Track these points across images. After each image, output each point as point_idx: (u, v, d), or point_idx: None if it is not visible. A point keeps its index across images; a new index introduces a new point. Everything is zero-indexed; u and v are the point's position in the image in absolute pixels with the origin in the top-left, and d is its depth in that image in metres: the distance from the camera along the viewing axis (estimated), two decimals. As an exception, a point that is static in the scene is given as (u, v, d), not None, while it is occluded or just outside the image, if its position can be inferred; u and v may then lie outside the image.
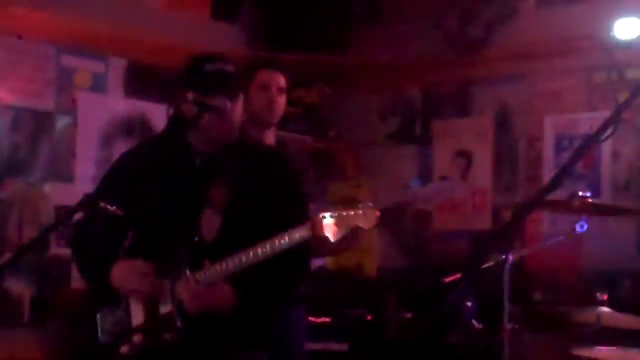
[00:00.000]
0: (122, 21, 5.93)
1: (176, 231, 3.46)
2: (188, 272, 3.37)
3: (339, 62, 6.88)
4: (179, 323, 3.34)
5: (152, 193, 3.55)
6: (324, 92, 6.93)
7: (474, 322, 4.65)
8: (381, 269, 6.33)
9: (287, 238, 3.36)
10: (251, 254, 3.36)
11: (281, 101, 4.46)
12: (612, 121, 2.75)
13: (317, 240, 3.42)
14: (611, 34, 5.68)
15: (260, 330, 3.59)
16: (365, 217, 3.39)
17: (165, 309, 3.38)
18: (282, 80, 4.46)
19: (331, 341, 5.48)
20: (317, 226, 3.37)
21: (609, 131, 2.57)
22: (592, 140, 2.73)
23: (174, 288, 3.34)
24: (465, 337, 4.61)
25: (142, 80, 6.10)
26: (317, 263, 5.59)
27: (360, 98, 7.05)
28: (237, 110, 3.50)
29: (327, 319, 5.55)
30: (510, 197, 6.25)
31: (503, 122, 6.40)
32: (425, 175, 6.60)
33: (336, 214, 3.38)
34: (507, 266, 4.12)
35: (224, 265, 3.37)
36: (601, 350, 4.46)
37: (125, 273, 3.44)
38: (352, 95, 7.06)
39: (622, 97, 2.82)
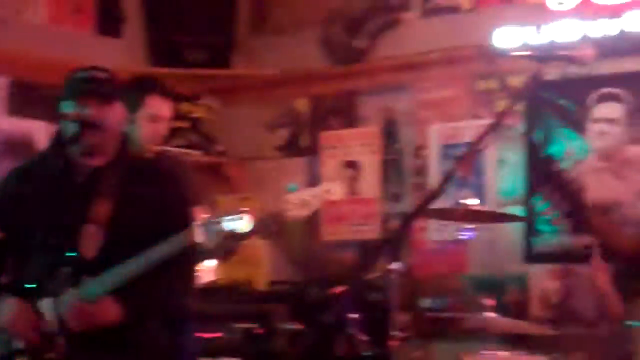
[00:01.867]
0: (3, 38, 5.80)
1: (59, 249, 3.41)
2: (70, 290, 3.33)
3: (225, 75, 6.85)
4: (61, 341, 3.30)
5: (35, 212, 3.50)
6: (210, 106, 6.89)
7: (360, 333, 4.66)
8: (271, 282, 6.30)
9: (165, 247, 3.34)
10: (131, 266, 3.33)
11: (166, 128, 4.51)
12: (494, 128, 2.77)
13: (195, 247, 3.40)
14: (492, 43, 5.80)
15: (147, 345, 3.54)
16: (241, 222, 3.37)
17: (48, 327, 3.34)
18: (169, 109, 4.50)
19: (222, 356, 5.43)
20: (195, 233, 3.35)
21: (491, 138, 2.59)
22: (474, 148, 2.75)
23: (56, 306, 3.31)
24: (351, 349, 4.61)
25: (25, 97, 5.97)
26: (206, 277, 5.55)
27: (248, 111, 7.02)
28: (113, 116, 3.46)
29: (217, 334, 5.50)
30: (398, 207, 6.30)
31: (389, 132, 6.45)
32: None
33: (212, 220, 3.36)
34: (395, 275, 4.14)
35: (104, 280, 3.34)
36: (488, 354, 4.53)
37: (12, 316, 3.40)
38: (239, 108, 7.03)
39: (504, 104, 2.87)
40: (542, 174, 5.76)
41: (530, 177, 5.83)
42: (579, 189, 5.57)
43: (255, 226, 3.35)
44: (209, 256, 4.68)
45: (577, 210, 5.59)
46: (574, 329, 4.79)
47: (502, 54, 5.80)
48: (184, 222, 3.42)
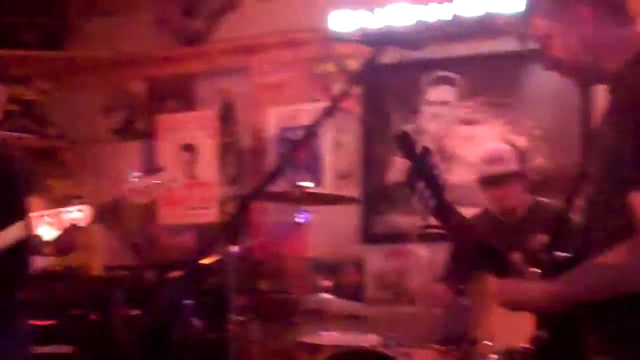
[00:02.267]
0: None
1: None
2: None
3: (58, 58, 6.67)
4: None
5: None
6: (43, 89, 6.70)
7: (194, 319, 4.63)
8: (108, 267, 6.19)
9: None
10: None
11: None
12: (331, 111, 2.78)
13: (33, 240, 3.30)
14: (329, 26, 5.84)
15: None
16: (80, 214, 3.29)
17: None
18: (3, 92, 4.30)
19: (57, 344, 5.30)
20: (30, 225, 3.25)
21: (327, 121, 2.59)
22: (310, 131, 2.75)
23: None
24: (186, 334, 4.58)
25: None
26: (40, 263, 5.39)
27: (82, 94, 6.86)
28: None
29: (52, 322, 5.37)
30: (236, 190, 6.28)
31: (227, 115, 6.42)
32: (149, 170, 6.49)
33: (51, 213, 3.27)
34: (233, 258, 4.13)
35: None
36: (326, 335, 4.57)
37: None
38: (74, 91, 6.86)
39: (341, 88, 2.87)
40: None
41: (365, 159, 5.91)
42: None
43: (94, 217, 3.29)
44: (46, 249, 4.54)
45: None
46: (409, 309, 4.87)
47: (338, 38, 5.84)
48: (19, 211, 3.31)
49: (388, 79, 5.67)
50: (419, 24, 5.57)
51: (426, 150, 2.58)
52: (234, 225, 3.10)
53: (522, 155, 4.46)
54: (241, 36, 6.34)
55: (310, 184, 4.74)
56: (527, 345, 2.53)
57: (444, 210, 2.60)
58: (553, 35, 2.45)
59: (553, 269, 2.43)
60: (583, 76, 2.54)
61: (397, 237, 5.71)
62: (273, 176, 2.50)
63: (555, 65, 2.50)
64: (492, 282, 2.54)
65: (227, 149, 6.40)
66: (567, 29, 2.44)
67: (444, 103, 5.75)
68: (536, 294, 2.40)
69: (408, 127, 5.59)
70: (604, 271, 2.27)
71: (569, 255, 2.47)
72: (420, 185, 2.57)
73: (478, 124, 5.60)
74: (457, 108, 5.70)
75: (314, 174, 5.91)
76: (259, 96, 6.32)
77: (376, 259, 5.83)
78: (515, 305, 2.49)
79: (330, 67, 6.04)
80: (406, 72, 5.70)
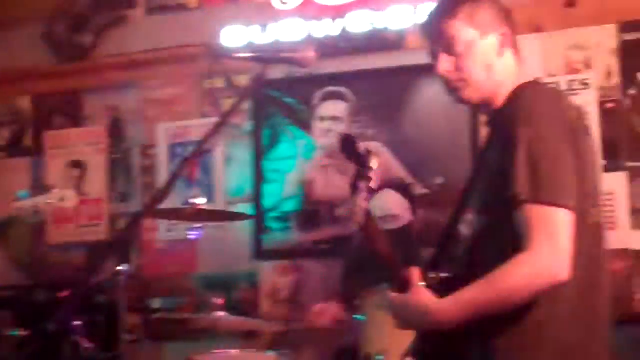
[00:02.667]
0: None
1: None
2: None
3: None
4: None
5: None
6: None
7: (84, 339, 4.54)
8: (-4, 287, 6.04)
9: None
10: None
11: None
12: (220, 127, 2.76)
13: None
14: (219, 42, 5.83)
15: None
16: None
17: None
18: None
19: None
20: None
21: (218, 137, 2.58)
22: (201, 147, 2.72)
23: None
24: (76, 355, 4.49)
25: None
26: None
27: (-34, 110, 6.69)
28: None
29: None
30: (126, 207, 6.20)
31: (116, 131, 6.33)
32: (38, 188, 6.37)
33: None
34: (123, 276, 4.07)
35: None
36: (219, 353, 4.54)
37: None
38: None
39: (230, 103, 2.86)
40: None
41: (257, 175, 5.90)
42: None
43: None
44: None
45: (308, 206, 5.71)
46: (304, 324, 4.87)
47: (228, 53, 5.83)
48: None
49: (278, 94, 5.68)
50: (308, 39, 5.59)
51: (368, 153, 2.61)
52: (124, 243, 3.06)
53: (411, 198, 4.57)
54: (130, 51, 6.27)
55: (202, 201, 4.70)
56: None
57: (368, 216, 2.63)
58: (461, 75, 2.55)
59: (439, 286, 2.47)
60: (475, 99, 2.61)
61: (290, 253, 5.72)
62: (163, 193, 2.46)
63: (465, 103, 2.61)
64: (385, 298, 2.55)
65: (117, 166, 6.31)
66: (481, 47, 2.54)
67: (335, 118, 5.78)
68: (424, 311, 2.42)
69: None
70: (491, 289, 2.32)
71: (454, 272, 2.51)
72: (362, 186, 2.59)
73: (367, 140, 5.63)
74: (348, 123, 5.73)
75: (205, 190, 5.87)
76: (149, 112, 6.25)
77: (270, 275, 5.81)
78: (404, 322, 2.51)
79: (220, 83, 6.02)
80: (297, 88, 5.71)
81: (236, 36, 5.81)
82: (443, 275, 2.51)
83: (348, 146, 2.63)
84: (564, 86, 5.29)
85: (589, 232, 2.40)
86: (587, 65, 5.31)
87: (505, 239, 2.35)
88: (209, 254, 5.76)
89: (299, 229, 5.72)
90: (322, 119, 5.80)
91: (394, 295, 2.52)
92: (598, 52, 5.30)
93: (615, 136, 5.20)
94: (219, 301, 4.64)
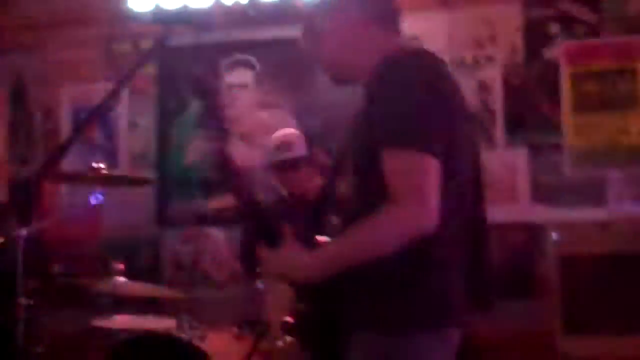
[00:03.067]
0: None
1: None
2: None
3: None
4: None
5: None
6: None
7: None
8: None
9: None
10: None
11: None
12: (119, 90, 2.73)
13: None
14: (126, 5, 5.75)
15: None
16: None
17: None
18: None
19: None
20: None
21: (118, 100, 2.54)
22: (100, 109, 2.69)
23: None
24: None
25: None
26: None
27: None
28: None
29: None
30: (28, 170, 6.09)
31: (18, 94, 6.21)
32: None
33: None
34: (22, 240, 4.00)
35: None
36: (119, 319, 4.51)
37: None
38: None
39: (134, 67, 2.82)
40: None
41: (161, 141, 5.86)
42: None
43: None
44: None
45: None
46: (205, 291, 4.86)
47: (133, 17, 5.75)
48: None
49: (185, 61, 5.62)
50: (216, 6, 5.54)
51: (217, 92, 2.60)
52: (24, 206, 3.00)
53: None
54: (32, 12, 6.14)
55: (103, 165, 4.64)
56: (288, 319, 2.58)
57: (226, 161, 2.63)
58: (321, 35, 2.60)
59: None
60: (338, 75, 2.66)
61: (193, 219, 5.70)
62: (59, 153, 2.42)
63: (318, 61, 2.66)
64: (263, 256, 2.58)
65: (18, 128, 6.19)
66: (332, 30, 2.59)
67: (242, 86, 5.76)
68: (293, 265, 2.46)
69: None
70: (357, 241, 2.35)
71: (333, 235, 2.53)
72: (212, 123, 2.59)
73: (273, 108, 5.63)
74: (254, 92, 5.71)
75: (109, 155, 5.80)
76: (51, 74, 6.14)
77: (172, 242, 5.78)
78: (281, 277, 2.55)
79: (125, 47, 5.94)
80: (204, 55, 5.66)
81: (142, 0, 5.73)
82: (322, 238, 2.54)
83: (199, 85, 2.62)
84: (469, 61, 5.36)
85: (463, 190, 2.43)
86: (493, 41, 5.38)
87: (374, 192, 2.36)
88: (112, 220, 5.70)
89: (202, 196, 5.69)
90: (229, 86, 5.76)
91: (266, 251, 2.55)
92: (503, 28, 5.36)
93: (518, 112, 5.28)
94: (120, 267, 4.59)
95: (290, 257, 2.47)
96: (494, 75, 5.33)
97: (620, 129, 5.11)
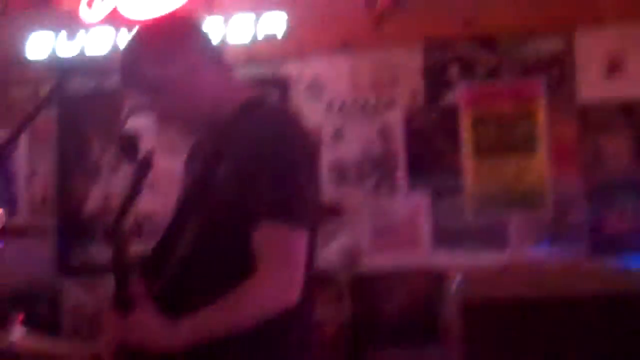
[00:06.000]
0: None
1: None
2: None
3: None
4: None
5: None
6: None
7: None
8: None
9: None
10: None
11: None
12: (16, 135, 2.68)
13: None
14: (24, 50, 5.68)
15: None
16: None
17: None
18: None
19: None
20: None
21: (16, 145, 2.48)
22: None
23: None
24: None
25: None
26: None
27: None
28: None
29: None
30: None
31: None
32: None
33: None
34: None
35: None
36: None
37: None
38: None
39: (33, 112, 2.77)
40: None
41: (61, 187, 5.77)
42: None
43: None
44: None
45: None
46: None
47: (32, 62, 5.68)
48: None
49: (88, 107, 5.56)
50: (116, 50, 5.49)
51: (149, 157, 2.47)
52: None
53: None
54: None
55: (2, 213, 4.54)
56: None
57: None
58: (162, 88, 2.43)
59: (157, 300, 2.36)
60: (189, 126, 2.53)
61: (95, 269, 5.60)
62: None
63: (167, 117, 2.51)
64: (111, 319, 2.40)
65: None
66: (177, 79, 2.42)
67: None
68: (151, 333, 2.30)
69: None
70: (222, 316, 2.27)
71: (169, 283, 2.41)
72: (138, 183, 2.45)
73: (179, 153, 5.58)
74: (159, 136, 5.66)
75: (8, 202, 5.69)
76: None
77: (73, 292, 5.68)
78: (129, 345, 2.33)
79: (24, 91, 5.85)
80: (107, 100, 5.59)
81: (42, 44, 5.66)
82: (156, 287, 2.40)
83: (128, 146, 2.50)
84: (371, 104, 5.39)
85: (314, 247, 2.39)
86: (394, 84, 5.41)
87: (231, 255, 2.31)
88: (10, 269, 5.58)
89: (105, 243, 5.60)
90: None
91: (111, 316, 2.37)
92: (405, 71, 5.40)
93: (419, 155, 5.32)
94: (19, 317, 4.48)
95: (144, 324, 2.31)
96: (395, 118, 5.36)
97: (519, 172, 5.18)
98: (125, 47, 2.50)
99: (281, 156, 2.29)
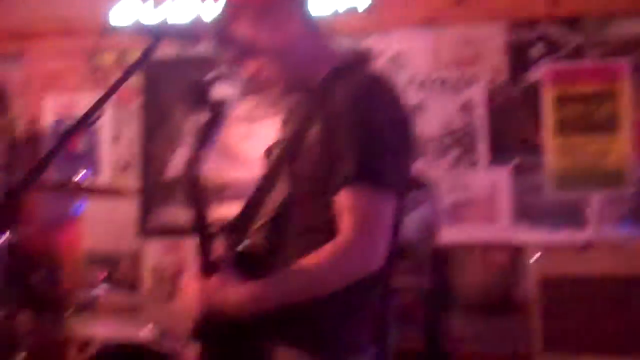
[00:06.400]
0: None
1: None
2: None
3: None
4: None
5: None
6: None
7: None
8: None
9: None
10: None
11: None
12: (104, 101, 2.72)
13: None
14: (109, 18, 5.76)
15: None
16: None
17: None
18: None
19: None
20: None
21: (103, 111, 2.52)
22: (83, 120, 2.68)
23: None
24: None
25: None
26: None
27: None
28: None
29: None
30: (11, 178, 6.09)
31: (1, 103, 6.20)
32: None
33: None
34: (3, 248, 4.00)
35: None
36: (97, 328, 4.50)
37: None
38: None
39: (119, 79, 2.82)
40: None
41: (144, 152, 5.87)
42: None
43: None
44: None
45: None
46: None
47: (117, 29, 5.76)
48: None
49: (170, 74, 5.64)
50: (199, 20, 5.56)
51: (221, 105, 2.47)
52: (5, 214, 3.00)
53: None
54: (16, 21, 6.13)
55: (86, 175, 4.65)
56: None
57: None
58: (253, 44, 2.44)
59: (238, 258, 2.38)
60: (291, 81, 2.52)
61: (175, 231, 5.69)
62: (44, 163, 2.42)
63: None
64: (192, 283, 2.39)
65: (1, 137, 6.19)
66: (269, 37, 2.44)
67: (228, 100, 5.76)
68: (234, 295, 2.29)
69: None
70: (307, 275, 2.24)
71: (257, 242, 2.41)
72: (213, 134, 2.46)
73: (258, 121, 5.64)
74: (238, 105, 5.72)
75: (92, 165, 5.80)
76: (35, 83, 6.14)
77: (154, 253, 5.78)
78: (212, 307, 2.32)
79: (109, 58, 5.95)
80: (189, 67, 5.67)
81: (127, 13, 5.75)
82: (244, 246, 2.40)
83: (199, 93, 2.48)
84: (453, 80, 5.39)
85: (401, 210, 2.37)
86: (477, 61, 5.40)
87: (318, 217, 2.30)
88: (94, 229, 5.70)
89: (185, 207, 5.68)
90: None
91: (193, 279, 2.37)
92: (487, 48, 5.39)
93: (501, 131, 5.30)
94: (102, 276, 4.59)
95: (227, 288, 2.30)
96: (478, 94, 5.35)
97: (601, 152, 5.14)
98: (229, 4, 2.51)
99: (372, 120, 2.28)
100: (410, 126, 2.42)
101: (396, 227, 2.34)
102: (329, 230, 2.26)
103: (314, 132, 2.35)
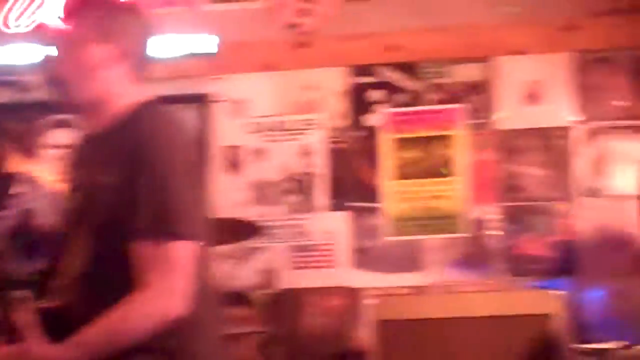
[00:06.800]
0: None
1: None
2: None
3: None
4: None
5: None
6: None
7: None
8: None
9: None
10: None
11: None
12: None
13: None
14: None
15: None
16: None
17: None
18: None
19: None
20: None
21: None
22: None
23: None
24: None
25: None
26: None
27: None
28: None
29: None
30: None
31: None
32: None
33: None
34: None
35: None
36: None
37: None
38: None
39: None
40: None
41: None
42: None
43: None
44: None
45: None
46: None
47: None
48: None
49: (4, 119, 5.50)
50: (38, 65, 5.44)
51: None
52: None
53: None
54: None
55: None
56: None
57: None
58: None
59: (44, 317, 2.33)
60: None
61: (5, 284, 5.52)
62: None
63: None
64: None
65: None
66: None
67: (66, 146, 5.65)
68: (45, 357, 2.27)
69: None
70: (107, 331, 2.24)
71: (62, 300, 2.38)
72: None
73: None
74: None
75: None
76: None
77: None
78: None
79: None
80: (24, 114, 5.53)
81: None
82: (50, 304, 2.37)
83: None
84: (294, 125, 5.41)
85: (204, 258, 2.36)
86: (317, 105, 5.43)
87: (119, 269, 2.27)
88: None
89: (17, 259, 5.54)
90: (54, 146, 5.63)
91: (3, 350, 2.30)
92: (327, 93, 5.43)
93: (340, 176, 5.34)
94: None
95: (37, 355, 2.27)
96: (318, 139, 5.38)
97: (436, 196, 5.23)
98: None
99: (156, 168, 2.25)
100: (199, 167, 2.40)
101: (203, 271, 2.32)
102: (129, 281, 2.24)
103: (104, 183, 2.30)
